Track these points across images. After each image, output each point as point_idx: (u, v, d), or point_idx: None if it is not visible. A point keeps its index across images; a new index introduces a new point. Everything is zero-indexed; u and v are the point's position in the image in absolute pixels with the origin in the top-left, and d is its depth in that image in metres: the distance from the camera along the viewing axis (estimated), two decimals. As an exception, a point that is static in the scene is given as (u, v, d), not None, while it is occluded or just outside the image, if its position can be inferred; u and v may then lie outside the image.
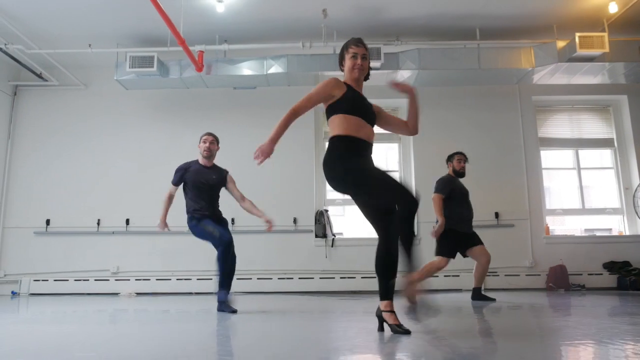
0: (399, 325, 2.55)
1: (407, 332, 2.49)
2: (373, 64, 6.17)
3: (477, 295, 5.24)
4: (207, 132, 4.48)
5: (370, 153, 2.79)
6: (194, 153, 7.42)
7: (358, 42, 2.91)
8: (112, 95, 7.39)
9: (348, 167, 2.62)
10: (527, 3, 5.98)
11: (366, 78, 2.96)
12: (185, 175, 4.42)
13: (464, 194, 5.28)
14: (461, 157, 5.37)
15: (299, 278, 6.92)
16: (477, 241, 5.21)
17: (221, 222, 4.62)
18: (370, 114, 2.82)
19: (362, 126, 2.74)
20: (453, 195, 5.18)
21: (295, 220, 7.10)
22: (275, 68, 6.44)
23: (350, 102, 2.75)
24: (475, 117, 7.40)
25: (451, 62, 6.35)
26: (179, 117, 7.40)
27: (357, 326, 3.10)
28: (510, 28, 6.48)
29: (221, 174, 4.55)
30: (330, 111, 2.80)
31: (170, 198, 4.56)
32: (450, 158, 5.44)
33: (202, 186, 4.38)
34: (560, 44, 6.23)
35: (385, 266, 2.68)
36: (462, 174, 5.35)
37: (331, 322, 3.37)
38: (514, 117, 7.42)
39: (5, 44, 6.16)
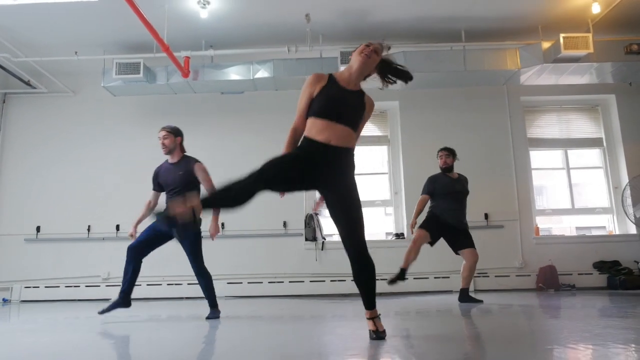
0: (375, 331, 2.52)
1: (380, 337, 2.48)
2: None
3: (465, 296, 5.21)
4: (161, 127, 4.26)
5: (333, 158, 2.56)
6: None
7: (378, 42, 2.78)
8: (101, 102, 7.40)
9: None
10: (511, 5, 6.00)
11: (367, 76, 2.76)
12: (159, 178, 4.28)
13: (449, 190, 5.24)
14: (442, 153, 5.36)
15: (290, 281, 6.93)
16: (469, 243, 5.20)
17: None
18: (349, 114, 2.58)
19: (327, 128, 2.54)
20: (437, 192, 5.26)
21: (285, 224, 7.12)
22: (262, 73, 6.45)
23: (321, 101, 2.57)
24: (464, 119, 7.41)
25: (437, 64, 6.36)
26: (167, 123, 7.39)
27: (347, 330, 3.11)
28: (495, 30, 6.49)
29: (188, 166, 4.17)
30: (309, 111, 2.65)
31: (149, 204, 4.45)
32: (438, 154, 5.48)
33: (169, 186, 4.18)
34: (546, 45, 6.23)
35: None
36: (447, 169, 5.34)
37: (322, 326, 3.38)
38: (502, 118, 7.42)
39: (-8, 53, 6.18)
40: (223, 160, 7.31)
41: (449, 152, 5.35)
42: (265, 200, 7.13)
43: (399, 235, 7.15)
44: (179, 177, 4.12)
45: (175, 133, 4.19)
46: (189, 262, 4.27)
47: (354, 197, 2.57)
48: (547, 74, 6.47)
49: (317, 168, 2.55)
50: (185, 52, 6.27)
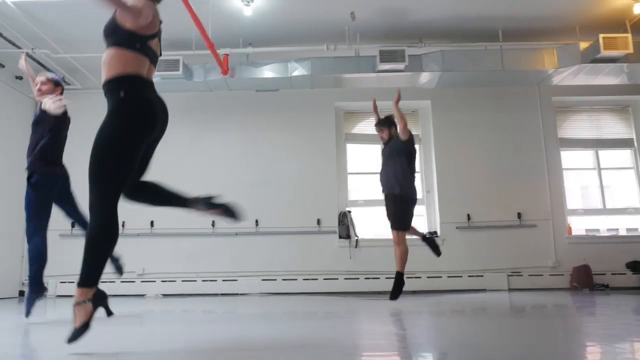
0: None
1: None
2: (396, 66, 6.23)
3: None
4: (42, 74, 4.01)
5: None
6: (216, 155, 7.49)
7: None
8: (135, 98, 7.44)
9: None
10: (549, 5, 6.01)
11: None
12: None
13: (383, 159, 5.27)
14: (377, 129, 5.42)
15: (324, 279, 6.97)
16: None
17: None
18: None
19: None
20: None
21: (318, 222, 7.15)
22: (300, 70, 6.48)
23: None
24: (495, 118, 7.44)
25: (474, 63, 6.38)
26: (200, 120, 7.45)
27: (381, 327, 3.14)
28: (532, 29, 6.50)
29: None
30: None
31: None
32: None
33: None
34: (583, 45, 6.25)
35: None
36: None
37: (357, 323, 3.41)
38: (534, 117, 7.45)
39: (32, 49, 6.21)
40: (254, 158, 7.37)
41: (381, 126, 5.33)
42: (298, 198, 7.24)
43: (433, 234, 7.17)
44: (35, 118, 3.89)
45: (57, 82, 4.00)
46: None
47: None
48: (583, 74, 6.48)
49: None
50: (224, 50, 6.30)
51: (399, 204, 4.87)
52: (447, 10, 6.06)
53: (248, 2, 5.55)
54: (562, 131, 7.60)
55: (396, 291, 4.86)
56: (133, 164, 2.30)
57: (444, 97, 7.41)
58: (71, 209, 4.05)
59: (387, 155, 5.09)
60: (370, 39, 6.44)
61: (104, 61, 2.35)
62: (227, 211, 2.55)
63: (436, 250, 5.09)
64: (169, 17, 6.15)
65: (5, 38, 5.96)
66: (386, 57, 6.16)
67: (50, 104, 3.77)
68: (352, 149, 7.72)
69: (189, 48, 6.43)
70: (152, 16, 2.35)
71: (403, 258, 4.81)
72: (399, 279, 4.86)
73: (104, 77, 2.35)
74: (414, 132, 7.70)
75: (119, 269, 4.11)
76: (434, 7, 5.96)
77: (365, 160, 7.65)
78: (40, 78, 3.94)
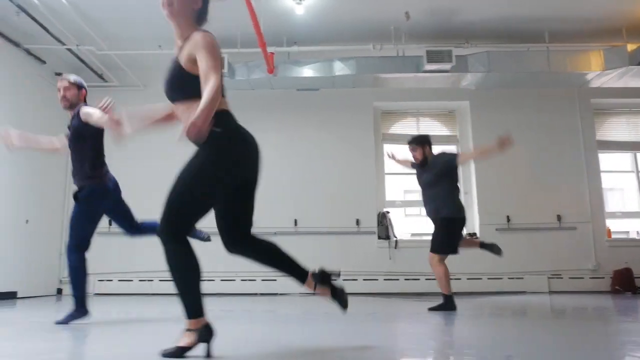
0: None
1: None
2: (443, 66, 6.20)
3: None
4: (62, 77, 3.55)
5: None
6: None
7: None
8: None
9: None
10: (596, 6, 5.98)
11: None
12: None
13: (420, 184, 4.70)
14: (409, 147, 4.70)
15: (363, 279, 6.94)
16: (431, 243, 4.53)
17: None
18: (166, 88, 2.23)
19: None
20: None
21: (357, 222, 7.11)
22: (344, 70, 6.44)
23: None
24: (534, 119, 7.41)
25: (520, 64, 6.35)
26: (239, 118, 7.39)
27: (423, 327, 3.12)
28: (578, 31, 6.48)
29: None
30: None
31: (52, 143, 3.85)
32: None
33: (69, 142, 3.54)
34: (631, 47, 6.22)
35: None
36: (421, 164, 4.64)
37: (397, 324, 3.38)
38: (572, 119, 7.42)
39: (77, 45, 6.16)
40: (293, 157, 7.33)
41: (415, 144, 4.63)
42: (337, 198, 7.20)
43: (472, 235, 7.14)
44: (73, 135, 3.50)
45: (80, 85, 3.56)
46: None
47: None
48: (629, 76, 6.45)
49: None
50: (269, 48, 6.25)
51: (444, 227, 4.42)
52: (494, 11, 6.02)
53: (300, 0, 5.50)
54: (600, 133, 7.57)
55: (440, 309, 4.35)
56: (210, 205, 2.19)
57: (483, 98, 7.38)
58: (126, 221, 3.71)
59: (426, 182, 4.59)
60: (415, 39, 6.41)
61: (184, 116, 2.16)
62: (337, 296, 2.37)
63: (496, 250, 4.78)
64: (214, 14, 6.09)
65: (51, 34, 5.90)
66: (433, 57, 6.12)
67: (104, 119, 3.21)
68: (389, 149, 7.66)
69: (233, 46, 6.38)
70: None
71: (442, 279, 4.37)
72: (447, 303, 4.33)
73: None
74: (451, 133, 7.72)
75: (204, 238, 3.88)
76: (482, 7, 5.92)
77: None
78: (62, 83, 3.48)
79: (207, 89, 1.94)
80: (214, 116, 1.94)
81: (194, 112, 1.90)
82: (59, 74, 6.91)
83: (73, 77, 3.52)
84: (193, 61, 2.07)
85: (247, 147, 2.19)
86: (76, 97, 3.50)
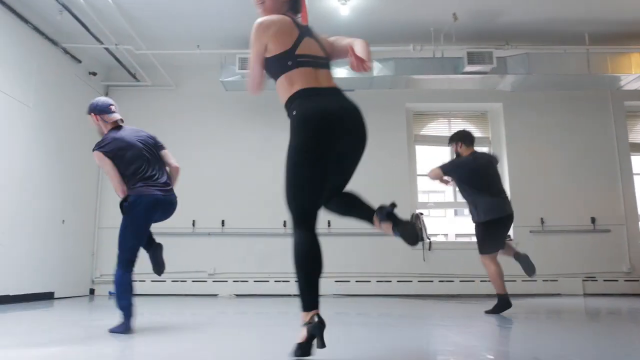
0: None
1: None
2: (483, 67, 6.17)
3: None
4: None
5: None
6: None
7: None
8: (205, 95, 7.38)
9: None
10: (637, 8, 5.95)
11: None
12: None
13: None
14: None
15: (397, 281, 6.92)
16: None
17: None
18: None
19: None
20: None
21: (391, 223, 7.07)
22: (383, 71, 6.41)
23: None
24: (567, 121, 7.39)
25: (559, 66, 6.33)
26: (273, 118, 7.35)
27: (456, 330, 3.11)
28: (618, 33, 6.45)
29: None
30: None
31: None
32: None
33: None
34: (670, 49, 6.21)
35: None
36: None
37: (431, 327, 3.38)
38: (606, 121, 7.40)
39: (116, 45, 6.12)
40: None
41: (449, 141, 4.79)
42: (371, 199, 7.14)
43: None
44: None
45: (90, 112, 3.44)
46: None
47: None
48: (669, 78, 6.44)
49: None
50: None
51: (477, 229, 4.50)
52: (537, 13, 5.99)
53: (345, 1, 5.47)
54: (633, 136, 7.56)
55: (496, 310, 4.29)
56: (316, 184, 2.18)
57: (516, 100, 7.35)
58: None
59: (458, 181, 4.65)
60: (455, 40, 6.37)
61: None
62: (400, 228, 2.32)
63: (529, 268, 4.47)
64: (249, 15, 6.08)
65: (91, 33, 5.86)
66: (474, 58, 6.10)
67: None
68: (420, 150, 7.66)
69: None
70: (271, 37, 2.22)
71: (494, 279, 4.35)
72: (501, 302, 4.30)
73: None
74: (483, 135, 7.69)
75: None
76: (526, 9, 5.89)
77: (434, 162, 7.57)
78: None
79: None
80: (289, 100, 2.25)
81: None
82: (93, 74, 6.89)
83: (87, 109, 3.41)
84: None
85: (306, 126, 2.17)
86: (98, 127, 3.42)
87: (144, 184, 3.23)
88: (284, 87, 2.24)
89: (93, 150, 3.20)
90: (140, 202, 3.18)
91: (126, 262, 3.21)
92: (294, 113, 2.18)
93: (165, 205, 3.38)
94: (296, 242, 2.14)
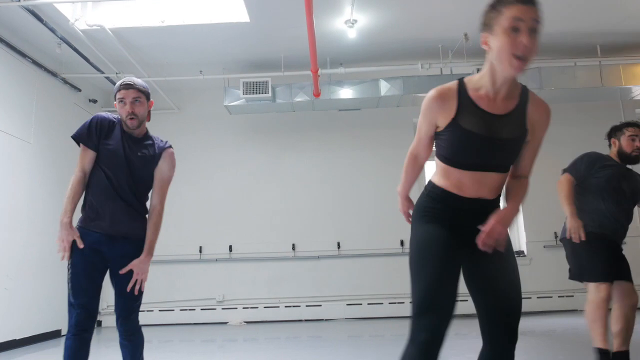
0: None
1: None
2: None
3: None
4: (123, 84, 2.34)
5: (475, 217, 1.70)
6: (296, 175, 7.22)
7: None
8: (208, 118, 7.23)
9: (414, 227, 1.79)
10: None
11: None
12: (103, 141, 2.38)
13: (615, 189, 3.17)
14: (637, 131, 3.25)
15: (410, 302, 6.76)
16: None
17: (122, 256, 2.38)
18: (500, 153, 1.66)
19: (468, 179, 1.69)
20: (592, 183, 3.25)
21: (402, 243, 6.95)
22: (390, 90, 6.26)
23: (451, 139, 1.67)
24: (576, 133, 7.24)
25: (572, 80, 6.19)
26: (280, 140, 7.22)
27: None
28: (628, 44, 6.31)
29: (156, 149, 2.46)
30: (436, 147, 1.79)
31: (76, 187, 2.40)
32: (615, 132, 3.44)
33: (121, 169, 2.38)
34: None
35: None
36: (634, 159, 3.24)
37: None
38: (617, 131, 7.26)
39: (117, 73, 5.97)
40: (334, 178, 7.16)
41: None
42: (380, 219, 7.04)
43: (519, 254, 7.00)
44: (137, 160, 2.40)
45: (148, 96, 2.43)
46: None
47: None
48: (679, 89, 6.30)
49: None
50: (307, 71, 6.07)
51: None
52: (546, 27, 5.82)
53: (352, 24, 5.32)
54: (645, 144, 7.42)
55: None
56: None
57: (525, 112, 7.21)
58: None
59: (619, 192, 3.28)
60: (464, 56, 6.22)
61: (494, 184, 1.72)
62: None
63: None
64: (258, 39, 5.96)
65: (91, 64, 5.70)
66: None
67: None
68: (429, 166, 7.52)
69: (276, 69, 6.20)
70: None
71: (590, 325, 2.97)
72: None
73: (492, 195, 1.74)
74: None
75: None
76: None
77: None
78: (129, 93, 2.30)
79: (525, 188, 1.79)
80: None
81: (498, 185, 1.71)
82: (93, 101, 6.73)
83: (142, 84, 2.38)
84: (530, 134, 1.72)
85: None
86: (146, 112, 2.40)
87: None
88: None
89: (170, 147, 2.48)
90: None
91: None
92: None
93: None
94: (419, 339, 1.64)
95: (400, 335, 3.83)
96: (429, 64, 6.12)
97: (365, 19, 5.34)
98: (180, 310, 6.80)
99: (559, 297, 6.76)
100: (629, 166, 3.31)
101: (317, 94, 6.04)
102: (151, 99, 2.46)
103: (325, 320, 6.68)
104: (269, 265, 6.90)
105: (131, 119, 2.34)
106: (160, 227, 2.47)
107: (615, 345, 2.90)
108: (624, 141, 3.24)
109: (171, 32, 5.39)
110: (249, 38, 5.65)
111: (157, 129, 7.26)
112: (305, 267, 6.87)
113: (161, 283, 6.83)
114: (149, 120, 2.48)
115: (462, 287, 5.96)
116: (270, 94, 6.04)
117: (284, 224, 6.96)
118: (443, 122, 1.67)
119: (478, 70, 6.01)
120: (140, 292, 2.45)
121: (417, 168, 1.93)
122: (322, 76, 6.32)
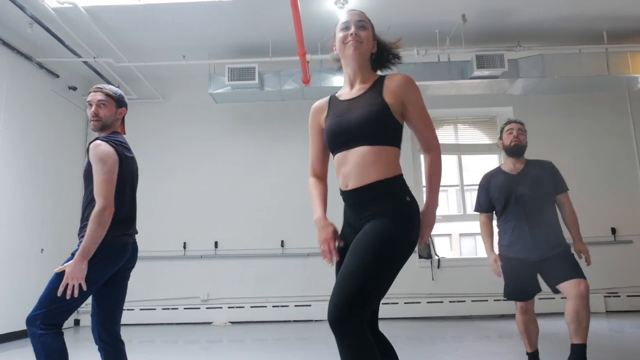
0: None
1: None
2: (494, 71, 5.70)
3: None
4: (93, 88, 2.42)
5: (358, 203, 1.82)
6: (285, 168, 6.88)
7: (350, 11, 1.93)
8: (194, 108, 6.90)
9: (414, 228, 1.81)
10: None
11: (385, 62, 1.98)
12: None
13: (508, 197, 3.19)
14: (513, 125, 3.29)
15: (405, 302, 6.44)
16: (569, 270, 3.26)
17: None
18: (350, 128, 1.81)
19: (342, 163, 1.85)
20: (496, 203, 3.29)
21: (397, 240, 6.60)
22: (384, 78, 5.92)
23: (328, 135, 1.92)
24: (582, 125, 6.92)
25: (576, 68, 5.86)
26: (269, 131, 6.89)
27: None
28: (636, 30, 5.97)
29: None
30: None
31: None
32: (500, 135, 3.39)
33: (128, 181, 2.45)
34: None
35: None
36: (514, 149, 3.24)
37: (441, 349, 2.90)
38: (624, 124, 6.92)
39: (95, 57, 5.64)
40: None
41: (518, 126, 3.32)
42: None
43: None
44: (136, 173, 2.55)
45: (120, 101, 2.43)
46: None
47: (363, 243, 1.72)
48: (691, 78, 5.96)
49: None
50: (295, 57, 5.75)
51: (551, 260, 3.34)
52: (550, 10, 5.51)
53: (342, 4, 4.99)
54: (652, 138, 7.08)
55: None
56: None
57: (527, 103, 6.88)
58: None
59: (523, 196, 3.28)
60: (462, 42, 5.90)
61: (363, 163, 1.79)
62: None
63: None
64: (244, 20, 5.65)
65: (66, 46, 5.38)
66: (483, 62, 5.62)
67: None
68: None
69: (264, 55, 5.88)
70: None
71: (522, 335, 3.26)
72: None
73: (367, 179, 1.78)
74: (492, 141, 7.21)
75: None
76: (538, 6, 5.41)
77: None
78: (96, 96, 2.36)
79: (438, 167, 1.91)
80: (397, 181, 1.81)
81: (381, 159, 1.77)
82: (73, 88, 6.42)
83: (111, 89, 2.42)
84: (401, 109, 1.85)
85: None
86: (112, 117, 2.38)
87: None
88: (397, 160, 1.87)
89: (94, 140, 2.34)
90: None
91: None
92: (410, 200, 1.80)
93: None
94: (364, 349, 1.62)
95: (390, 337, 3.49)
96: (425, 49, 5.79)
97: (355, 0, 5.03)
98: (162, 309, 6.47)
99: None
100: (536, 163, 3.39)
101: (306, 81, 5.71)
102: (124, 107, 2.45)
103: (315, 321, 6.34)
104: (256, 262, 6.56)
105: (93, 120, 2.36)
106: (99, 228, 2.21)
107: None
108: (505, 137, 3.30)
109: (149, 11, 5.07)
110: (233, 18, 5.32)
111: (142, 120, 6.98)
112: (295, 265, 6.52)
113: (142, 280, 6.49)
114: (123, 133, 2.49)
115: (460, 289, 5.59)
116: (257, 81, 5.71)
117: (273, 219, 6.62)
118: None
119: (477, 56, 5.70)
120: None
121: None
122: (312, 63, 6.00)
